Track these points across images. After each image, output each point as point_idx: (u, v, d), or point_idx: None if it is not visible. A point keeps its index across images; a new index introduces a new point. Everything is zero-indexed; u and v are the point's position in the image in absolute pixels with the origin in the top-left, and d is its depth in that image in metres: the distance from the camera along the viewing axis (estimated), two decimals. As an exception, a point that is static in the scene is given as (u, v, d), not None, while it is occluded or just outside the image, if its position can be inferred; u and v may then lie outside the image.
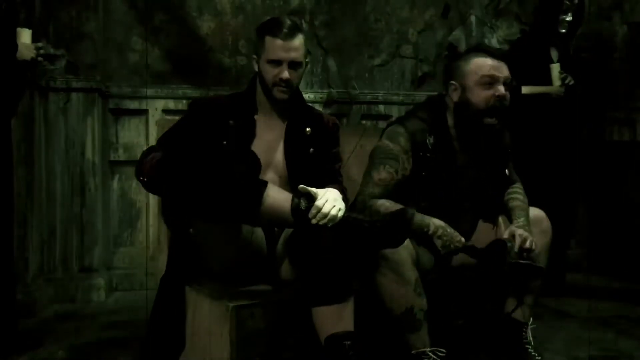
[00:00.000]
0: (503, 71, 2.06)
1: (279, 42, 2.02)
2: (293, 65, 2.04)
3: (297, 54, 2.05)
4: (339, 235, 1.74)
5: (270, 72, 2.04)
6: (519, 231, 2.03)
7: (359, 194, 2.11)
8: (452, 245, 1.99)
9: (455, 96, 2.11)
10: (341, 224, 1.75)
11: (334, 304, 1.75)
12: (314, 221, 1.73)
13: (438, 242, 2.00)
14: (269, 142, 2.09)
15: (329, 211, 1.73)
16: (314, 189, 1.77)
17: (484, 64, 2.05)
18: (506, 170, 2.22)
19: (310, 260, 1.76)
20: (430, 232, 2.00)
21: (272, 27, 2.06)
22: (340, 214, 1.76)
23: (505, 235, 2.03)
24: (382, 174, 2.07)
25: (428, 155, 2.08)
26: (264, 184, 1.77)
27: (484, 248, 2.01)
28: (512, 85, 2.07)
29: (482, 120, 2.06)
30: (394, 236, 1.74)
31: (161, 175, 1.81)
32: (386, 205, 2.01)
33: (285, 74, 2.03)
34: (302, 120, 2.15)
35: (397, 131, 2.11)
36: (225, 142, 1.99)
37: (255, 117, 2.10)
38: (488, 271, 2.09)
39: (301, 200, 1.75)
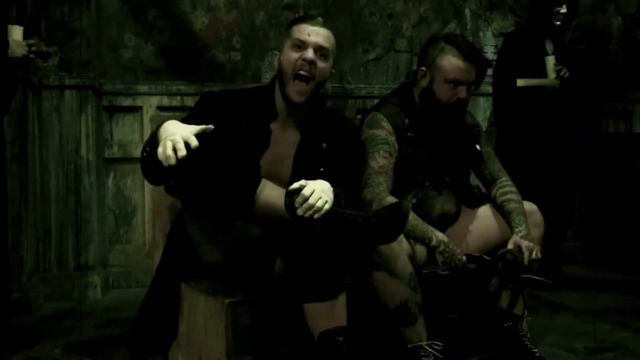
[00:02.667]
0: (471, 75, 2.11)
1: (306, 25, 1.92)
2: (319, 50, 1.90)
3: (325, 41, 1.91)
4: (330, 231, 1.72)
5: (293, 57, 1.89)
6: (525, 243, 2.05)
7: (365, 187, 2.07)
8: (452, 263, 2.00)
9: (423, 82, 2.16)
10: (334, 220, 1.71)
11: (325, 301, 1.74)
12: (299, 212, 1.68)
13: (439, 258, 2.01)
14: (280, 154, 1.96)
15: (315, 202, 1.67)
16: (303, 181, 1.72)
17: (455, 65, 2.09)
18: (477, 146, 2.26)
19: (301, 257, 1.75)
20: (432, 245, 2.01)
21: (303, 17, 2.03)
22: (327, 206, 1.69)
23: (510, 246, 2.06)
24: (380, 160, 2.08)
25: (409, 134, 2.14)
26: (258, 180, 1.75)
27: (494, 260, 2.03)
28: (474, 88, 2.17)
29: (442, 109, 2.14)
30: (389, 231, 1.72)
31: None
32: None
33: (309, 54, 1.87)
34: (319, 133, 2.00)
35: (376, 118, 2.15)
36: (234, 147, 1.83)
37: (271, 125, 1.97)
38: (499, 283, 2.15)
39: (294, 197, 1.70)
